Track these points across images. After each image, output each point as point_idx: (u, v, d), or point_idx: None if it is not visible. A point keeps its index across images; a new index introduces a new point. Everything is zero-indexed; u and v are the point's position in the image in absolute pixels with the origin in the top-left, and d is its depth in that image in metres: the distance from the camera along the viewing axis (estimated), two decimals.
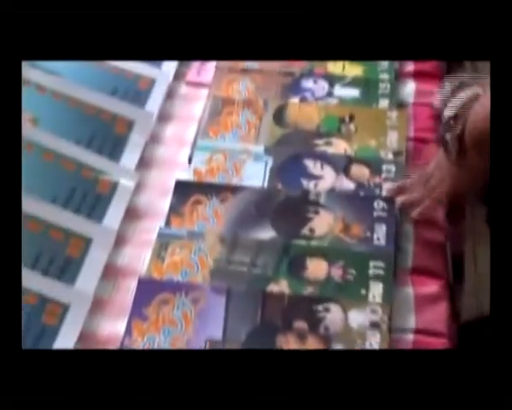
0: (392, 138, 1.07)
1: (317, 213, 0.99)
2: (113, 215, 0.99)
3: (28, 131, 1.01)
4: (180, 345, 0.87)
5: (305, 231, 0.97)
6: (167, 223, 0.98)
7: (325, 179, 1.03)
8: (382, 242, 0.96)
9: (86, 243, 0.96)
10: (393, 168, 1.04)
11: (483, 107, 0.88)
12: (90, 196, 1.00)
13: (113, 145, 1.05)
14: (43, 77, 1.08)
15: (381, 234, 0.96)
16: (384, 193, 1.00)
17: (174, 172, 1.05)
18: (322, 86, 1.14)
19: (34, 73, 1.08)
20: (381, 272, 0.93)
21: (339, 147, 1.07)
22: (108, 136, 1.06)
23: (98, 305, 0.92)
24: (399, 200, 1.00)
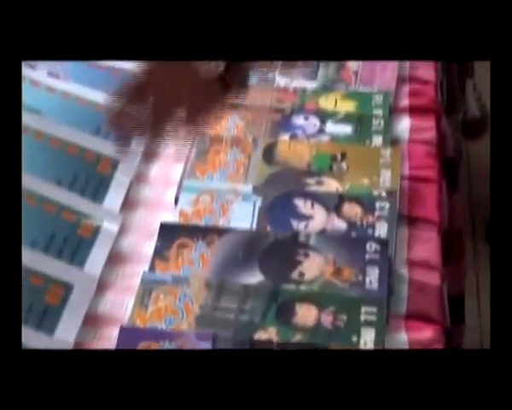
0: (386, 177, 1.03)
1: (306, 255, 0.95)
2: (96, 260, 0.96)
3: None
4: None
5: (295, 275, 0.93)
6: (151, 268, 0.94)
7: (315, 219, 0.99)
8: (375, 285, 0.92)
9: (66, 289, 0.92)
10: (387, 205, 1.00)
11: None
12: (72, 240, 0.96)
13: (96, 186, 1.02)
14: (23, 115, 1.04)
15: (373, 277, 0.92)
16: None
17: (160, 214, 1.01)
18: (314, 123, 1.11)
19: None
20: (374, 317, 0.89)
21: (330, 186, 1.03)
22: (92, 176, 1.02)
23: None
24: None
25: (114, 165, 1.04)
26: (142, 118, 0.86)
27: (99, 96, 1.12)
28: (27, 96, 1.08)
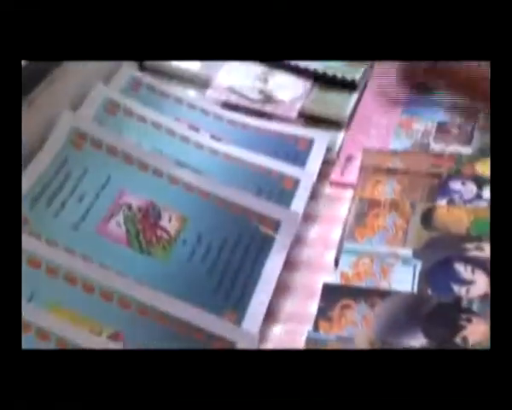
0: None
1: (469, 321, 0.95)
2: (256, 316, 0.98)
3: None
4: None
5: (458, 340, 0.94)
6: (315, 327, 0.96)
7: (477, 285, 0.99)
8: None
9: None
10: None
11: None
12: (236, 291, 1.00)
13: (260, 246, 1.05)
14: (189, 176, 1.09)
15: None
16: None
17: (320, 275, 1.03)
18: (471, 189, 1.12)
19: (182, 171, 1.09)
20: None
21: None
22: (255, 236, 1.05)
23: None
24: None
25: (276, 226, 1.07)
26: None
27: (257, 158, 1.16)
28: (193, 157, 1.13)
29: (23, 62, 1.01)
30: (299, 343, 0.95)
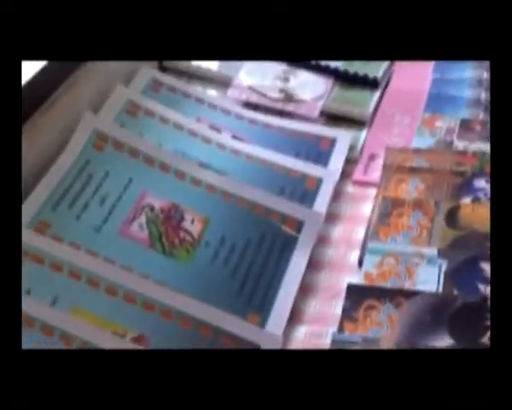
0: None
1: None
2: (280, 313, 0.97)
3: None
4: None
5: (485, 340, 0.92)
6: (340, 328, 0.95)
7: None
8: None
9: None
10: None
11: None
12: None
13: (282, 246, 1.04)
14: (211, 176, 1.09)
15: None
16: None
17: (344, 275, 1.02)
18: None
19: (204, 173, 1.09)
20: None
21: None
22: (278, 236, 1.05)
23: None
24: None
25: (299, 226, 1.06)
26: None
27: (279, 158, 1.15)
28: (215, 158, 1.13)
29: (44, 64, 1.02)
30: (324, 345, 0.94)
